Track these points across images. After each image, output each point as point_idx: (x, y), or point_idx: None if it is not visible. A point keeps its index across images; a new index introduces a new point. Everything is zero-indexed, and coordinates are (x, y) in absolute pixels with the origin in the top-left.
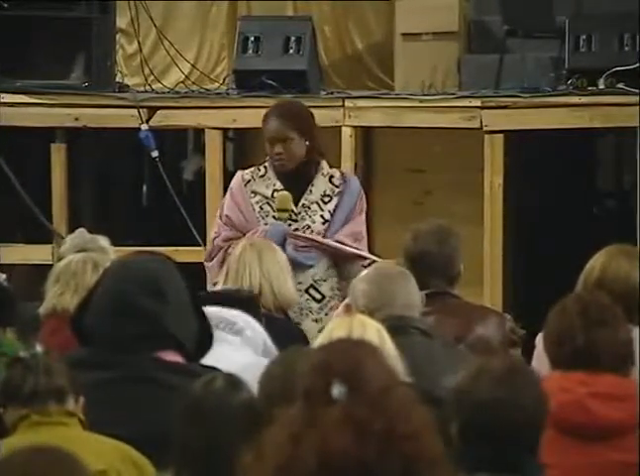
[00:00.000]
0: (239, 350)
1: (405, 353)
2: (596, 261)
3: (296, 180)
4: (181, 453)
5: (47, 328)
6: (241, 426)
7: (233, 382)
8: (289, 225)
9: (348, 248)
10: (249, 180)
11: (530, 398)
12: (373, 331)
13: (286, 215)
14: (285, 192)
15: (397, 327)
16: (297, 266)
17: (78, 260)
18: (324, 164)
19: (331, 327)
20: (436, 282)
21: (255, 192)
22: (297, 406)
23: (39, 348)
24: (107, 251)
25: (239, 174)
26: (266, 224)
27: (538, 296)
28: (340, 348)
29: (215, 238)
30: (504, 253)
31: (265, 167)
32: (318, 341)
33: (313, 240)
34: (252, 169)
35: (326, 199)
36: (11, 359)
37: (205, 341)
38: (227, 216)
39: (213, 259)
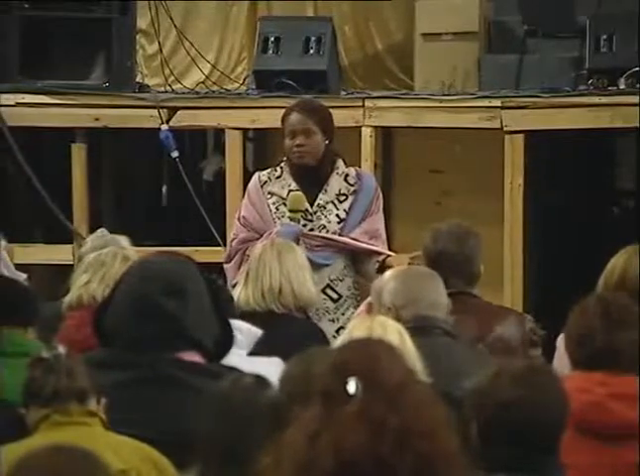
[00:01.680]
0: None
1: (428, 354)
2: (617, 261)
3: (311, 181)
4: (208, 450)
5: (72, 321)
6: (268, 424)
7: (261, 380)
8: (305, 225)
9: (362, 244)
10: (265, 181)
11: (550, 398)
12: (393, 332)
13: (299, 216)
14: (298, 193)
15: (421, 327)
16: (313, 266)
17: (108, 252)
18: (340, 163)
19: (351, 327)
20: (456, 282)
21: (271, 193)
22: (314, 405)
23: (61, 349)
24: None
25: (256, 175)
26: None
27: (558, 296)
28: (356, 347)
29: (233, 240)
30: (524, 253)
31: (281, 167)
32: (338, 341)
33: (327, 238)
34: (269, 170)
35: (341, 198)
36: (33, 359)
37: (226, 341)
38: (244, 218)
39: (231, 260)
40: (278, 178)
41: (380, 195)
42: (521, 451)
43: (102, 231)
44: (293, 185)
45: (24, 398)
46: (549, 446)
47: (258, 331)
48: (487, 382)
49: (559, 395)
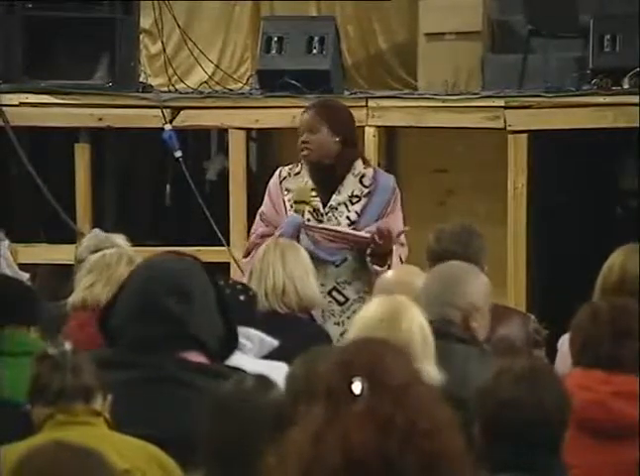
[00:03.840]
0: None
1: (442, 358)
2: (615, 261)
3: (327, 180)
4: (212, 452)
5: (75, 321)
6: (271, 426)
7: (263, 382)
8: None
9: (360, 233)
10: (285, 177)
11: (552, 397)
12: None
13: (304, 207)
14: (303, 184)
15: (435, 330)
16: (318, 262)
17: (112, 253)
18: (358, 163)
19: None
20: None
21: (287, 190)
22: (319, 405)
23: (67, 345)
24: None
25: (278, 169)
26: None
27: (562, 296)
28: (360, 346)
29: (252, 235)
30: (528, 253)
31: (301, 163)
32: (356, 320)
33: (327, 229)
34: (291, 165)
35: (354, 200)
36: (40, 355)
37: (230, 342)
38: (263, 212)
39: (249, 255)
40: (297, 174)
41: (399, 197)
42: (523, 451)
43: (96, 231)
44: (310, 184)
45: (30, 394)
46: (551, 446)
47: (273, 342)
48: (489, 381)
49: (560, 394)
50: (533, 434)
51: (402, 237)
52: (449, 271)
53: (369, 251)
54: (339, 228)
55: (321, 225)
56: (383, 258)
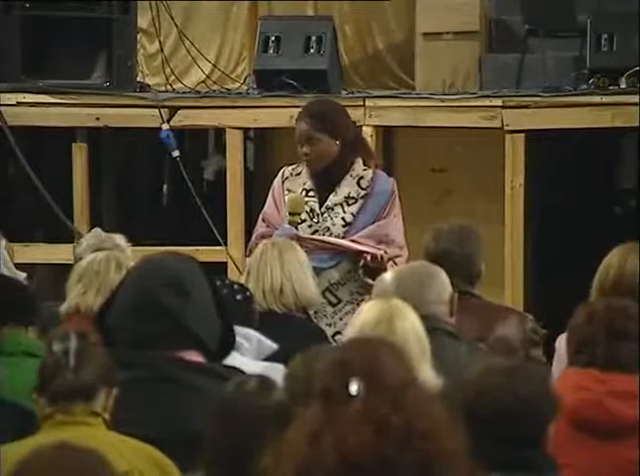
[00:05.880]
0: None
1: (433, 354)
2: (611, 261)
3: (325, 181)
4: (213, 454)
5: (71, 324)
6: (273, 428)
7: (265, 383)
8: (310, 226)
9: (355, 245)
10: (287, 177)
11: (532, 392)
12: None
13: (297, 219)
14: (296, 195)
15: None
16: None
17: (101, 259)
18: (357, 164)
19: (365, 309)
20: (457, 282)
21: (288, 190)
22: (315, 405)
23: (73, 340)
24: (123, 249)
25: (282, 169)
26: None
27: (559, 295)
28: (357, 346)
29: (254, 235)
30: (525, 253)
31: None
32: (351, 327)
33: (320, 241)
34: (294, 165)
35: (350, 201)
36: (49, 346)
37: (228, 341)
38: (265, 212)
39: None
40: (298, 174)
41: (397, 201)
42: (508, 447)
43: (96, 230)
44: (309, 184)
45: (37, 382)
46: (534, 440)
47: (272, 345)
48: (470, 377)
49: (543, 390)
50: (517, 429)
51: (402, 240)
52: (420, 270)
53: (361, 263)
54: (333, 240)
55: (314, 237)
56: (376, 272)
